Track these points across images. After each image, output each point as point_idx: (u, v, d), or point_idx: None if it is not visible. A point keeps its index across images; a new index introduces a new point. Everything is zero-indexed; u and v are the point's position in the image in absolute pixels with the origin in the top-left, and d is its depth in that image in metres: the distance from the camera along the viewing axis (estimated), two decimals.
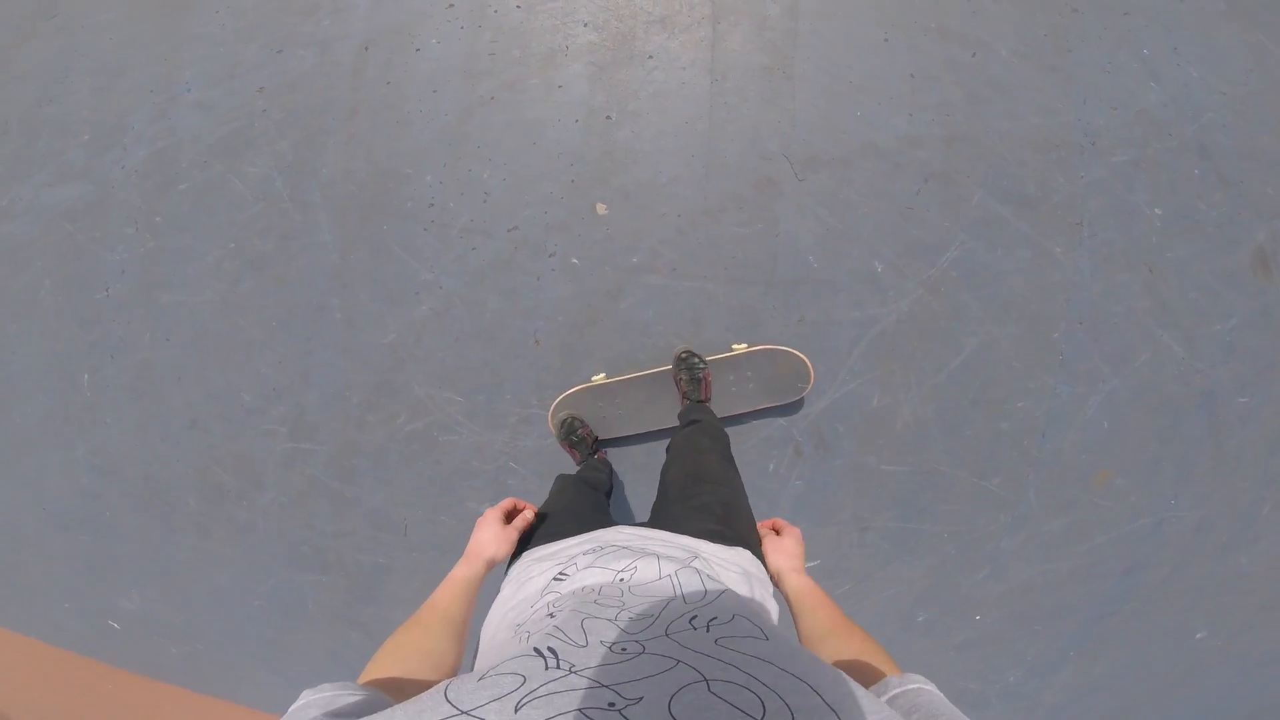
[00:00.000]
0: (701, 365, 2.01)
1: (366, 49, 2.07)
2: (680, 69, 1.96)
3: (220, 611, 2.51)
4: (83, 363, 2.34)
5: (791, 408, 2.14)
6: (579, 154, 2.02)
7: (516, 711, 0.39)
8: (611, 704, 0.40)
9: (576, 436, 2.06)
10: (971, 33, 1.97)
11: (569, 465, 2.14)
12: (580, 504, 1.43)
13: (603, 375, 2.10)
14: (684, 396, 2.03)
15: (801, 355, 2.03)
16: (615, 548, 0.87)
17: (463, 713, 0.39)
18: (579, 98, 1.99)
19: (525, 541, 1.08)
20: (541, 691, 0.41)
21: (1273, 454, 2.18)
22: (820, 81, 1.96)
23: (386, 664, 0.72)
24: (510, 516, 1.08)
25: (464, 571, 0.94)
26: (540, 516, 1.16)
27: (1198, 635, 2.36)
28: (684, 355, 2.03)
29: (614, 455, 2.22)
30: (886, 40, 1.96)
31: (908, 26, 1.96)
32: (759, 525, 1.15)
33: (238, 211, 2.18)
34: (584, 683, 0.43)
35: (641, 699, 0.41)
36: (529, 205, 2.05)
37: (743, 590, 0.85)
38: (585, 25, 1.96)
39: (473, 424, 2.17)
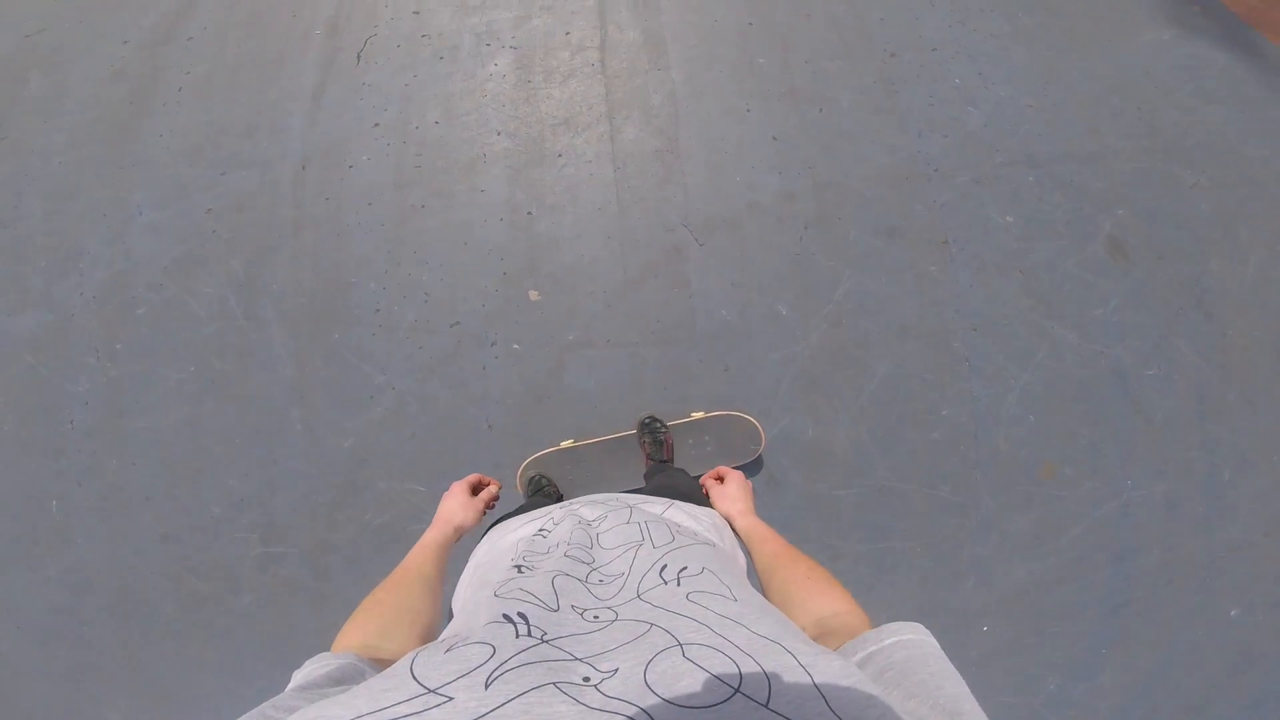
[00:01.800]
0: (663, 429, 2.15)
1: (304, 168, 2.25)
2: (587, 162, 2.18)
3: (208, 715, 2.51)
4: (50, 489, 2.39)
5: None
6: (507, 248, 2.21)
7: (487, 688, 0.38)
8: (586, 679, 0.40)
9: (544, 494, 2.16)
10: (816, 91, 2.25)
11: None
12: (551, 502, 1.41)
13: (571, 440, 2.23)
14: (648, 458, 2.15)
15: (753, 419, 2.18)
16: (591, 503, 0.88)
17: (430, 690, 0.38)
18: (501, 198, 2.19)
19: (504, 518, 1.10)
20: (512, 664, 0.41)
21: (1203, 419, 2.29)
22: (702, 155, 2.20)
23: (363, 622, 0.72)
24: (475, 491, 1.08)
25: (434, 535, 0.94)
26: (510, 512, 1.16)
27: (1232, 613, 2.36)
28: (647, 420, 2.17)
29: None
30: (749, 110, 2.22)
31: (764, 95, 2.23)
32: (703, 478, 1.16)
33: (194, 332, 2.30)
34: (556, 654, 0.42)
35: (616, 670, 0.40)
36: (467, 300, 2.22)
37: (713, 539, 0.85)
38: (499, 134, 2.18)
39: (436, 510, 2.28)
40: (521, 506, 1.20)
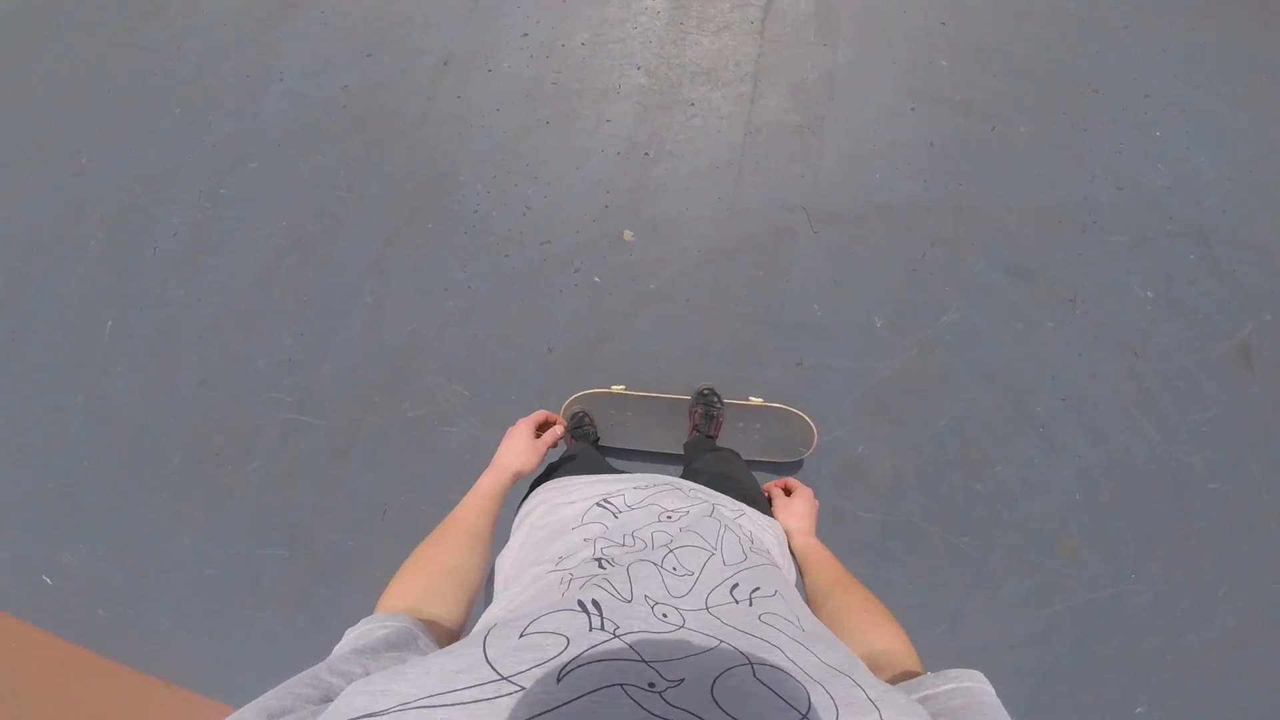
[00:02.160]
0: (718, 404, 2.09)
1: (445, 64, 2.30)
2: (719, 118, 2.18)
3: (168, 577, 2.45)
4: (110, 310, 2.44)
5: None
6: (616, 183, 2.20)
7: (558, 681, 0.38)
8: (652, 684, 0.39)
9: (583, 431, 2.12)
10: (994, 107, 2.15)
11: None
12: (605, 463, 1.36)
13: (623, 386, 2.18)
14: (694, 429, 2.09)
15: (810, 421, 2.10)
16: (669, 487, 0.85)
17: (502, 678, 0.38)
18: (624, 133, 2.20)
19: (551, 472, 1.08)
20: (584, 659, 0.40)
21: (1235, 538, 2.17)
22: (845, 143, 2.15)
23: (409, 584, 0.72)
24: (540, 431, 1.05)
25: (490, 482, 0.92)
26: (558, 462, 1.16)
27: (1137, 710, 2.30)
28: (705, 391, 2.12)
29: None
30: (913, 109, 2.15)
31: (935, 98, 2.15)
32: (769, 485, 1.14)
33: (298, 192, 2.35)
34: (626, 654, 0.42)
35: (683, 680, 0.40)
36: (563, 223, 2.22)
37: (779, 559, 0.84)
38: (639, 69, 2.20)
39: (474, 418, 2.24)
40: (569, 455, 1.18)
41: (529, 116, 2.24)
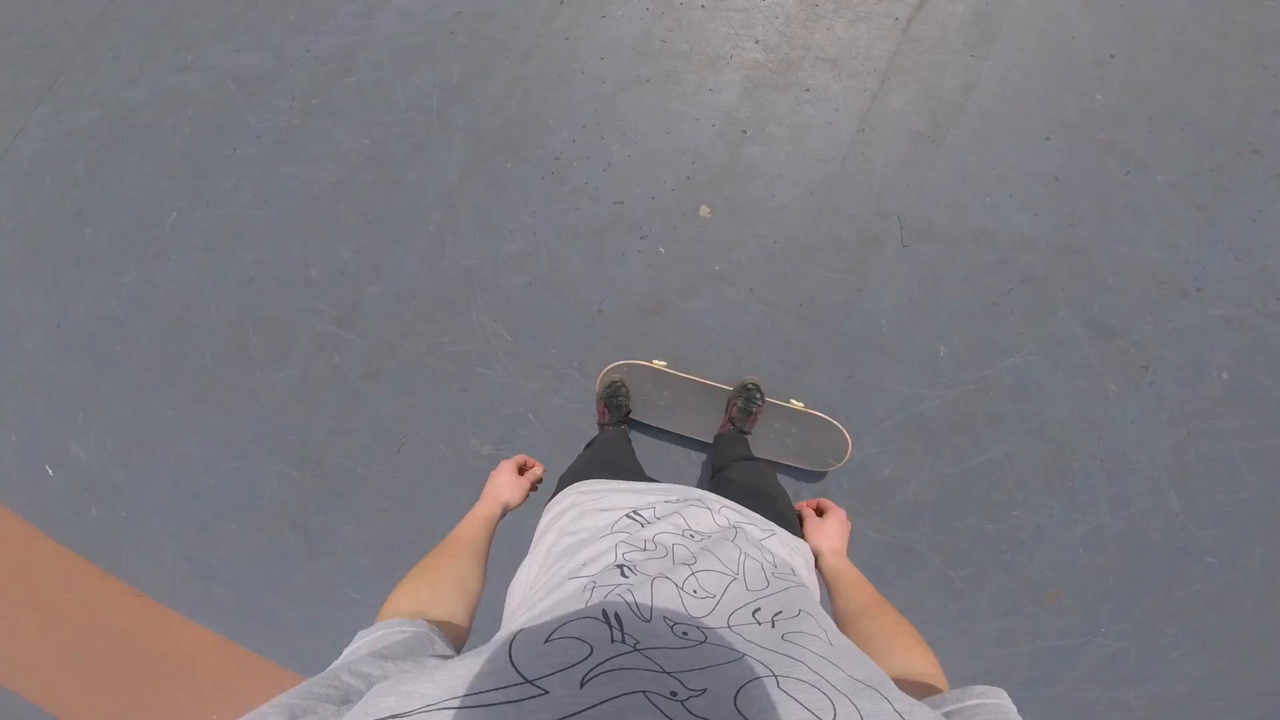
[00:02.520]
0: (759, 401, 2.00)
1: (562, 2, 2.27)
2: (832, 109, 2.08)
3: (169, 481, 2.40)
4: (177, 200, 2.44)
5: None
6: (704, 156, 2.12)
7: (582, 686, 0.38)
8: (674, 693, 0.39)
9: (616, 402, 2.04)
10: (1138, 152, 2.01)
11: (583, 431, 2.11)
12: (635, 461, 1.42)
13: (664, 362, 2.09)
14: (729, 421, 2.01)
15: (848, 436, 2.00)
16: (700, 503, 0.85)
17: (527, 681, 0.39)
18: (725, 105, 2.12)
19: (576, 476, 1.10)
20: (608, 665, 0.40)
21: (1209, 608, 2.05)
22: (964, 160, 2.03)
23: (414, 588, 0.74)
24: (522, 470, 1.12)
25: (484, 509, 0.98)
26: (591, 458, 1.22)
27: None
28: (750, 385, 2.03)
29: (637, 441, 2.16)
30: (1048, 139, 2.03)
31: (1075, 132, 2.02)
32: (801, 505, 1.12)
33: (387, 113, 2.34)
34: (647, 664, 0.42)
35: (705, 690, 0.40)
36: (641, 186, 2.15)
37: (807, 580, 0.84)
38: (757, 42, 2.12)
39: (511, 364, 2.17)
40: (592, 443, 1.23)
41: (631, 71, 2.19)
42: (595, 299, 2.14)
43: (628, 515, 0.80)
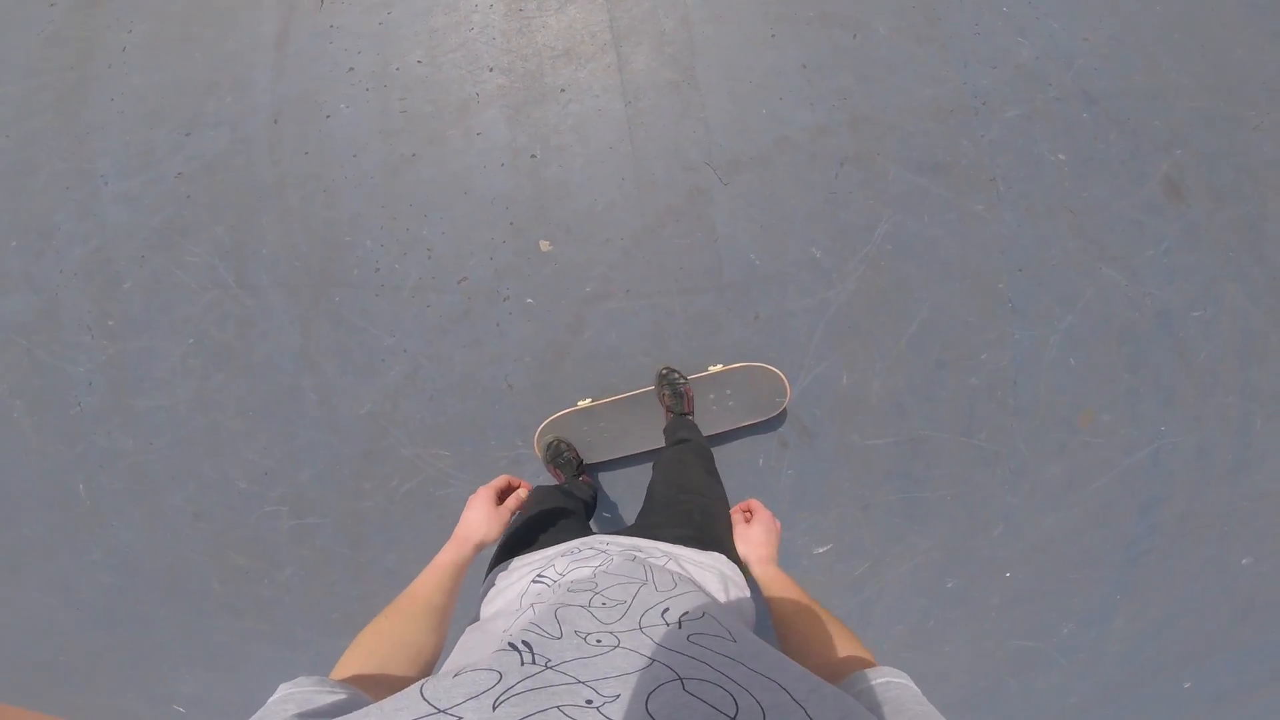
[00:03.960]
0: (683, 380, 2.06)
1: (276, 122, 2.03)
2: (594, 97, 1.95)
3: (272, 684, 2.57)
4: (74, 475, 2.36)
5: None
6: (512, 196, 2.02)
7: (494, 709, 0.39)
8: (589, 701, 0.41)
9: (563, 459, 2.10)
10: (850, 15, 2.00)
11: None
12: (557, 515, 1.32)
13: (588, 400, 2.14)
14: (668, 410, 2.08)
15: (776, 370, 2.07)
16: (593, 550, 0.87)
17: (440, 711, 0.39)
18: (501, 141, 1.98)
19: (504, 552, 1.06)
20: (519, 689, 0.42)
21: (1244, 365, 2.22)
22: (724, 86, 1.97)
23: (364, 654, 0.70)
24: (503, 496, 1.03)
25: (450, 556, 0.89)
26: (516, 528, 1.13)
27: (1244, 561, 2.38)
28: (665, 372, 2.08)
29: (607, 478, 2.29)
30: (774, 36, 1.97)
31: (791, 19, 1.98)
32: (733, 509, 1.13)
33: (188, 304, 2.18)
34: (560, 679, 0.44)
35: (618, 697, 0.42)
36: (474, 254, 2.06)
37: (718, 592, 0.86)
38: (491, 70, 1.93)
39: (464, 474, 2.23)
40: (517, 520, 1.16)
41: (391, 153, 2.01)
42: (499, 377, 2.15)
43: (533, 581, 0.81)
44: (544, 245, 2.05)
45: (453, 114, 1.96)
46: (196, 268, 2.15)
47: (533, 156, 1.98)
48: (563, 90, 1.94)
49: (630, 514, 2.29)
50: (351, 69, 1.96)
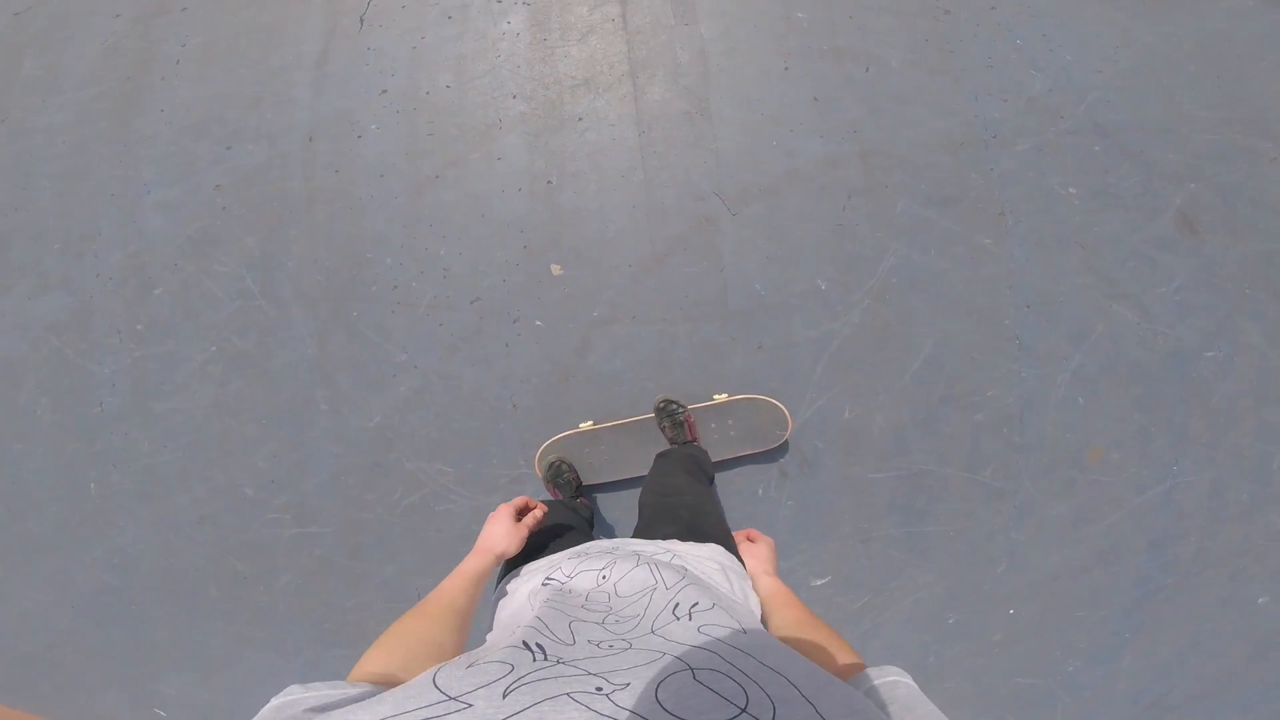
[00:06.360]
0: (680, 410, 2.07)
1: (311, 139, 2.14)
2: (610, 125, 2.03)
3: (259, 691, 2.57)
4: (87, 473, 2.41)
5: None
6: (528, 220, 2.09)
7: (505, 697, 0.40)
8: (599, 689, 0.42)
9: (563, 480, 2.12)
10: (862, 49, 2.05)
11: None
12: (564, 528, 1.38)
13: (590, 422, 2.16)
14: (670, 441, 2.09)
15: (780, 405, 2.09)
16: (597, 552, 0.89)
17: (450, 698, 0.40)
18: (519, 166, 2.06)
19: (515, 561, 1.09)
20: (529, 678, 0.43)
21: (1261, 405, 2.17)
22: (736, 118, 2.04)
23: (388, 650, 0.71)
24: (521, 514, 1.08)
25: (473, 564, 0.93)
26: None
27: (1260, 600, 2.29)
28: (662, 404, 2.10)
29: (605, 500, 2.28)
30: (787, 69, 2.04)
31: (804, 52, 2.04)
32: (735, 534, 1.16)
33: (214, 312, 2.26)
34: (572, 671, 0.44)
35: (629, 685, 0.42)
36: (488, 275, 2.13)
37: (720, 582, 0.88)
38: (514, 97, 2.03)
39: (466, 491, 2.25)
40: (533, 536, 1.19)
41: (416, 174, 2.10)
42: (504, 398, 2.19)
43: (542, 583, 0.83)
44: (555, 269, 2.11)
45: (476, 138, 2.05)
46: (225, 277, 2.25)
47: (549, 182, 2.06)
48: (580, 119, 2.03)
49: (626, 536, 2.26)
50: (384, 91, 2.07)
